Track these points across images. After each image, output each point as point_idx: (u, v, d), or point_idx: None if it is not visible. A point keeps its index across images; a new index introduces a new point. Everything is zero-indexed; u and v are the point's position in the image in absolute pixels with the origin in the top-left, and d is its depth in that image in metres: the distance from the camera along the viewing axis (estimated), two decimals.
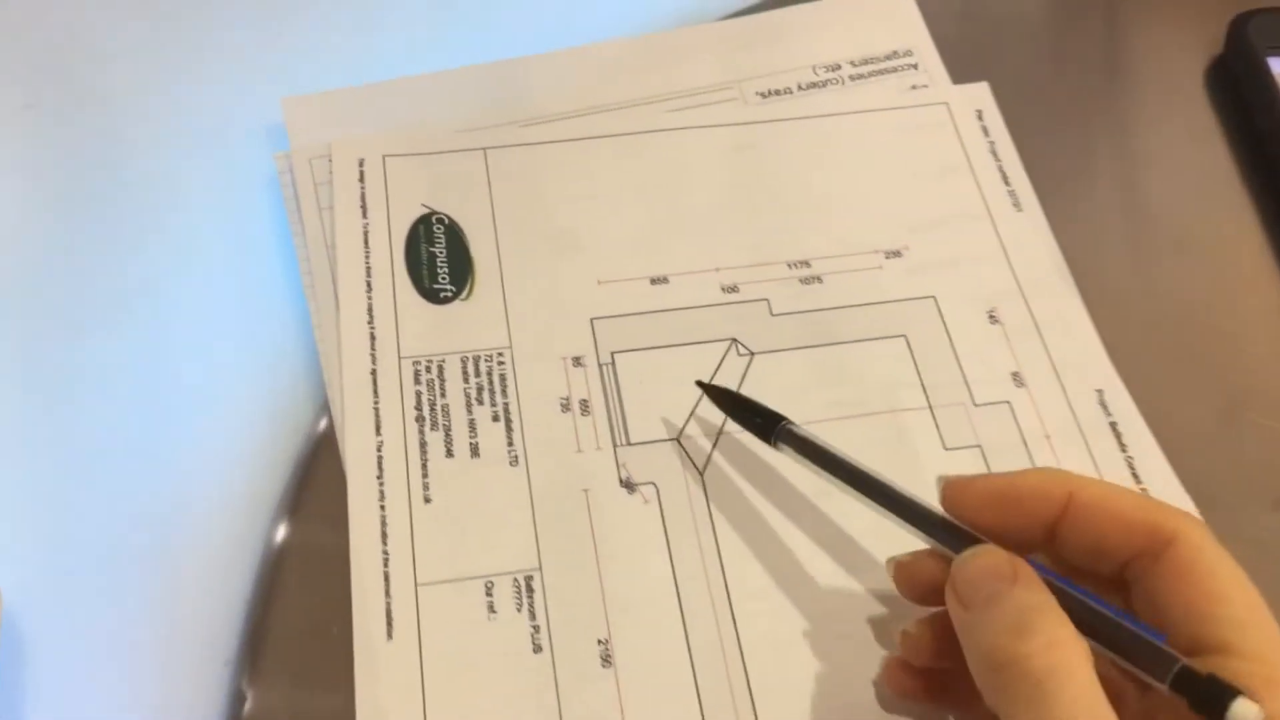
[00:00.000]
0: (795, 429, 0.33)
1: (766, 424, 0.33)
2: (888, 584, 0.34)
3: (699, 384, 0.36)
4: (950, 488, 0.29)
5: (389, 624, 0.33)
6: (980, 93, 0.44)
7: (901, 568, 0.30)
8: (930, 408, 0.37)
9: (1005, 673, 0.25)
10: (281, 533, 0.36)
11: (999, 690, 0.25)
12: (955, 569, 0.28)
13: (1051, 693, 0.24)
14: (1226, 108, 0.45)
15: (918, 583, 0.30)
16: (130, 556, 0.35)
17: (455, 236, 0.40)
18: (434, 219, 0.40)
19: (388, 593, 0.33)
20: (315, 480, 0.36)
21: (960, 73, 0.45)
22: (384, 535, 0.34)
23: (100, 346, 0.38)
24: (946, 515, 0.29)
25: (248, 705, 0.33)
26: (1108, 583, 0.28)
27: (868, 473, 0.31)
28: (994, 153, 0.43)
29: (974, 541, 0.29)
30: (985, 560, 0.27)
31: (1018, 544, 0.28)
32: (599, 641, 0.33)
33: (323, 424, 0.37)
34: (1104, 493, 0.28)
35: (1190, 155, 0.44)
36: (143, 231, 0.41)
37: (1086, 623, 0.26)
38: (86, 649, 0.33)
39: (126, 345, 0.38)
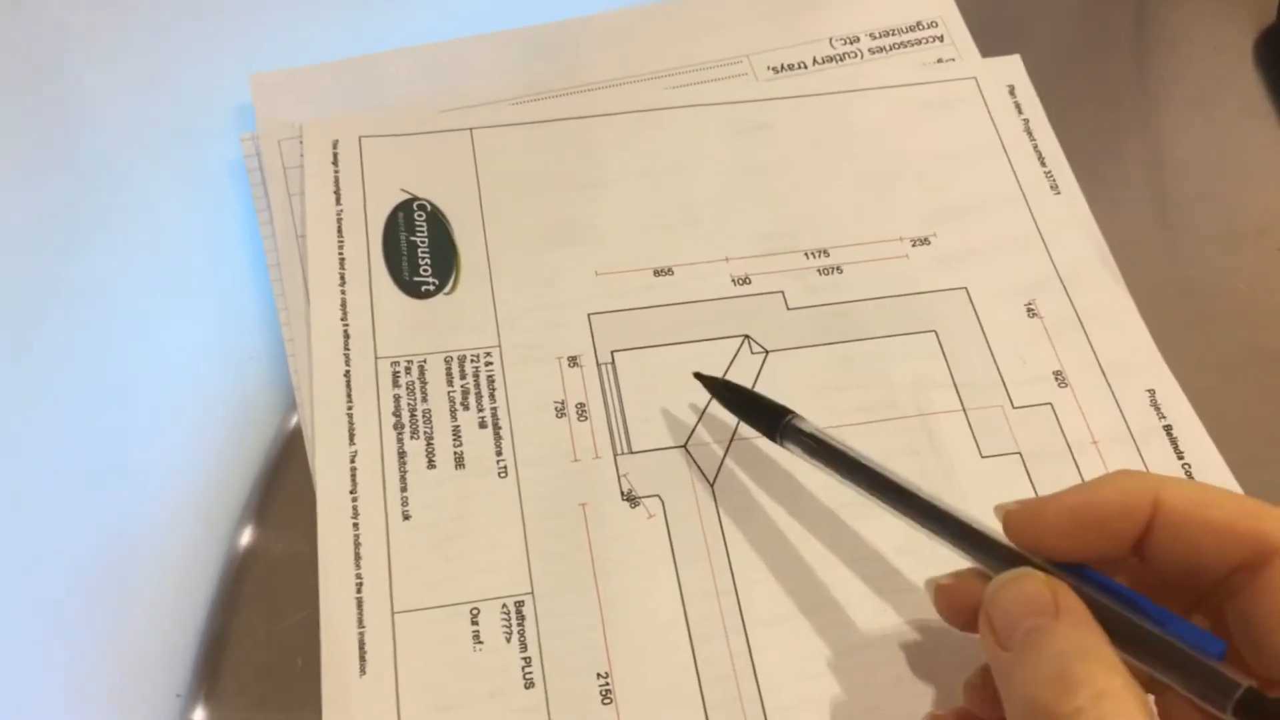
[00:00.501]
0: (802, 425, 0.30)
1: (771, 420, 0.30)
2: (920, 609, 0.31)
3: (697, 375, 0.33)
4: (1015, 518, 0.26)
5: (362, 657, 0.30)
6: (1012, 66, 0.42)
7: (942, 590, 0.27)
8: (964, 410, 0.34)
9: None
10: (244, 542, 0.33)
11: None
12: (988, 598, 0.25)
13: None
14: (1279, 82, 0.42)
15: (961, 607, 0.27)
16: (78, 571, 0.33)
17: (438, 224, 0.37)
18: (415, 205, 0.37)
19: (361, 622, 0.30)
20: (283, 484, 0.34)
21: (990, 45, 0.42)
22: (357, 557, 0.31)
23: (53, 340, 0.36)
24: (978, 524, 0.27)
25: None
26: (1205, 598, 0.26)
27: (890, 476, 0.28)
28: (1028, 131, 0.40)
29: (1011, 555, 0.26)
30: (1022, 590, 0.25)
31: (1097, 565, 0.25)
32: (599, 675, 0.30)
33: (292, 422, 0.35)
34: (1196, 498, 0.25)
35: (1241, 133, 0.42)
36: (100, 217, 0.39)
37: (1132, 640, 0.24)
38: (27, 676, 0.31)
39: (81, 339, 0.37)
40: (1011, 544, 0.26)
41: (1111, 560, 0.26)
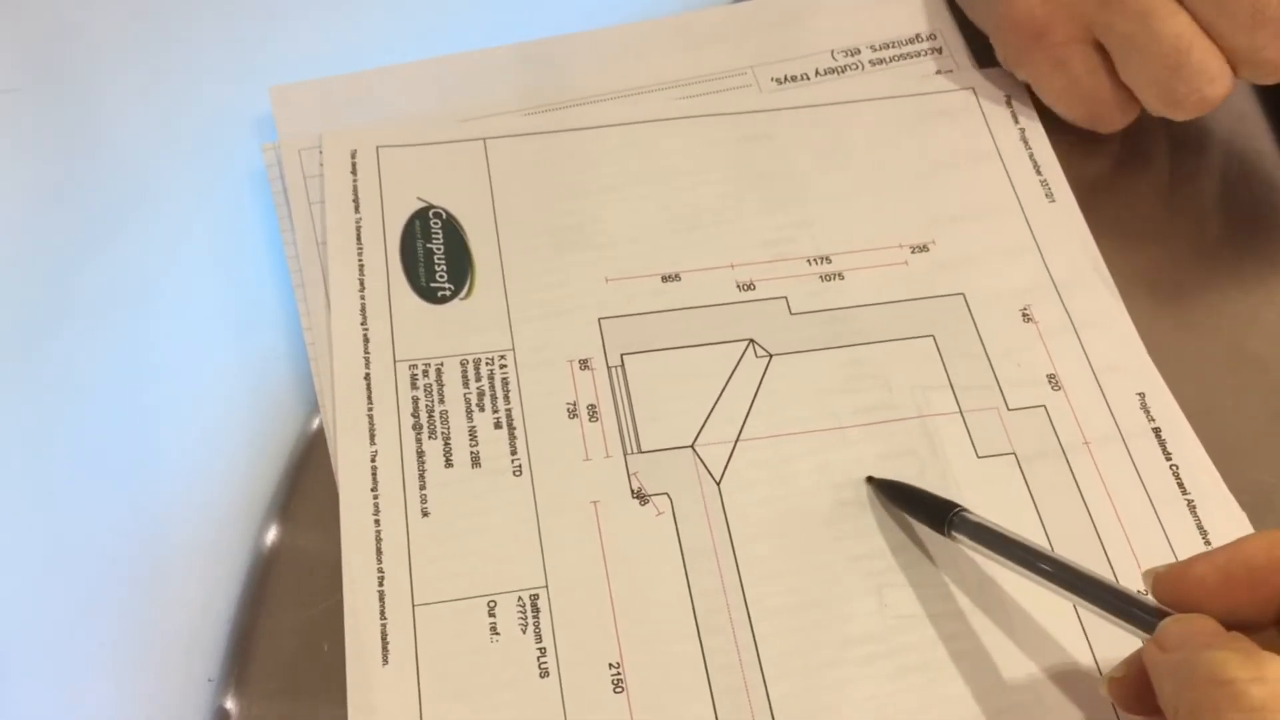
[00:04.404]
0: (970, 516, 0.31)
1: (938, 513, 0.32)
2: (919, 603, 0.32)
3: (869, 480, 0.34)
4: (1163, 580, 0.26)
5: (384, 647, 0.31)
6: (1009, 78, 0.42)
7: (1115, 684, 0.27)
8: (961, 412, 0.35)
9: (1217, 692, 0.22)
10: (271, 537, 0.34)
11: (1198, 712, 0.22)
12: (1160, 633, 0.25)
13: None
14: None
15: (1138, 695, 0.26)
16: (108, 564, 0.33)
17: (454, 232, 0.38)
18: (431, 213, 0.38)
19: (383, 614, 0.32)
20: (307, 482, 0.35)
21: (987, 57, 0.43)
22: (379, 552, 0.32)
23: (78, 345, 0.37)
24: (1140, 594, 0.27)
25: None
26: None
27: (1050, 554, 0.29)
28: (1025, 140, 0.41)
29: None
30: (1194, 622, 0.25)
31: (1244, 627, 0.25)
32: (610, 665, 0.31)
33: (315, 422, 0.36)
34: None
35: (1236, 138, 0.42)
36: (123, 225, 0.39)
37: None
38: (61, 663, 0.32)
39: (106, 344, 0.37)
40: (1169, 610, 0.26)
41: (1261, 623, 0.25)
